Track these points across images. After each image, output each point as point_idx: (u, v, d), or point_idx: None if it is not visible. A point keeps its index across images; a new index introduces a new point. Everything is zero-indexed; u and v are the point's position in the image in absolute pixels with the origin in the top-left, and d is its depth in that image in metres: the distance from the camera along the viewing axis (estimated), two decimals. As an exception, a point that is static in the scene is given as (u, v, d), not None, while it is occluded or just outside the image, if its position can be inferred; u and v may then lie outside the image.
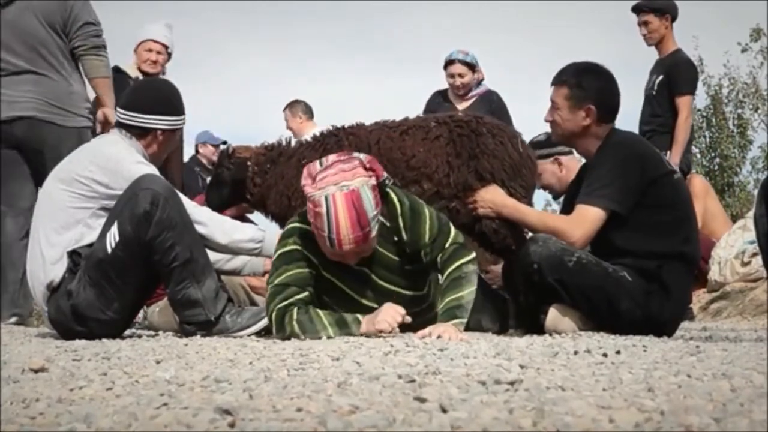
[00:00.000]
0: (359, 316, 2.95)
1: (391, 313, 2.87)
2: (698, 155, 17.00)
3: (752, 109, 17.10)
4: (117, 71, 5.48)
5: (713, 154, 17.19)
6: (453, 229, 3.12)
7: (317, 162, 2.96)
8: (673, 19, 5.91)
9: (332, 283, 3.11)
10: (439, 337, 2.73)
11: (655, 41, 5.90)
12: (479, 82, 6.31)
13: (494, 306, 3.68)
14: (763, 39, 16.38)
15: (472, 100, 6.23)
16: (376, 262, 3.10)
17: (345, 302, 3.11)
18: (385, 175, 3.02)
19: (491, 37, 36.61)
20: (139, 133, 3.48)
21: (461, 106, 6.18)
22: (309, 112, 8.03)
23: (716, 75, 17.30)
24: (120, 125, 3.51)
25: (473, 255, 3.08)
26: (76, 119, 4.51)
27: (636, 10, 5.93)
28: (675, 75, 5.76)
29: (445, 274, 3.02)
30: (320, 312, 2.97)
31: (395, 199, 3.09)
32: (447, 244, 3.06)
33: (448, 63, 6.26)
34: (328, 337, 2.88)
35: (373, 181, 2.90)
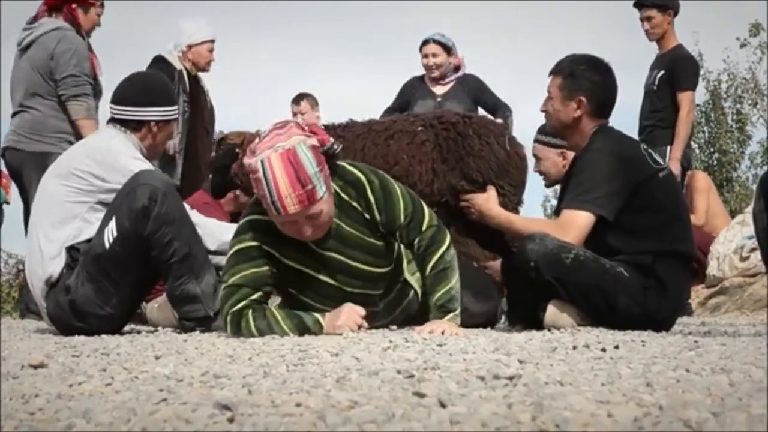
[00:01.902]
0: (319, 318, 2.81)
1: (353, 317, 2.77)
2: (697, 150, 16.97)
3: (751, 105, 17.06)
4: (161, 60, 5.54)
5: (712, 150, 17.16)
6: (425, 207, 2.99)
7: (257, 136, 2.87)
8: (675, 14, 5.91)
9: (298, 271, 2.93)
10: (431, 332, 2.70)
11: (657, 36, 5.89)
12: (456, 69, 6.16)
13: (483, 287, 3.60)
14: (762, 34, 16.34)
15: (450, 84, 6.11)
16: (344, 243, 2.93)
17: (314, 287, 2.95)
18: (332, 141, 2.84)
19: (492, 36, 36.60)
20: (133, 126, 3.48)
21: (439, 91, 6.09)
22: None
23: (715, 70, 17.28)
24: (114, 120, 3.51)
25: (448, 235, 2.97)
26: (38, 145, 5.02)
27: (638, 5, 5.92)
28: (677, 70, 5.75)
29: (430, 266, 2.91)
30: (278, 316, 2.82)
31: (362, 177, 2.91)
32: (424, 227, 2.92)
33: (424, 43, 6.12)
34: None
35: (314, 141, 2.75)
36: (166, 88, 3.65)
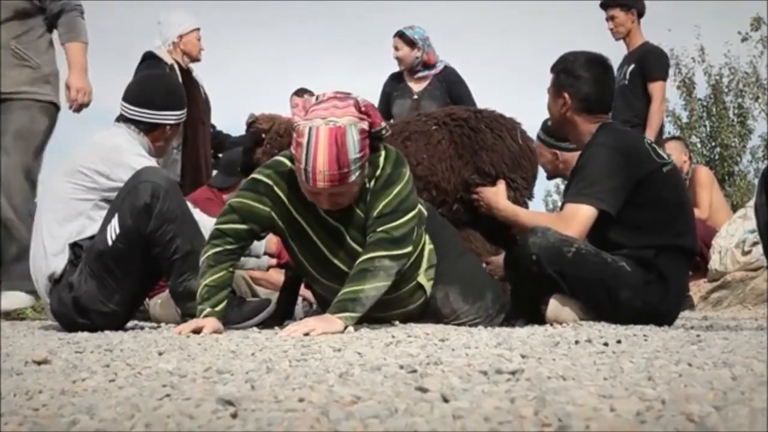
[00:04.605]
0: (214, 319, 2.86)
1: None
2: (698, 145, 16.99)
3: (752, 99, 17.03)
4: (152, 57, 5.49)
5: (713, 144, 17.15)
6: (404, 219, 2.88)
7: (314, 97, 2.90)
8: (640, 14, 6.07)
9: (304, 231, 2.98)
10: (307, 334, 2.55)
11: (621, 35, 6.04)
12: (428, 65, 6.09)
13: (495, 293, 3.56)
14: (764, 28, 16.30)
15: (427, 81, 6.08)
16: (351, 222, 2.94)
17: (312, 252, 2.99)
18: (383, 125, 2.87)
19: (496, 36, 36.57)
20: (146, 128, 3.51)
21: (417, 87, 6.07)
22: None
23: (717, 64, 17.27)
24: (127, 120, 3.53)
25: (399, 252, 2.85)
26: None
27: (603, 6, 6.12)
28: (646, 62, 5.87)
29: (359, 260, 2.83)
30: (205, 283, 2.91)
31: (381, 162, 2.91)
32: (383, 228, 2.85)
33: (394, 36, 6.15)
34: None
35: (365, 125, 2.79)
36: (181, 91, 3.70)
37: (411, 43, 6.06)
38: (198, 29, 5.69)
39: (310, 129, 2.74)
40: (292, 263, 3.25)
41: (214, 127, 5.99)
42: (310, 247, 3.01)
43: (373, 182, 2.92)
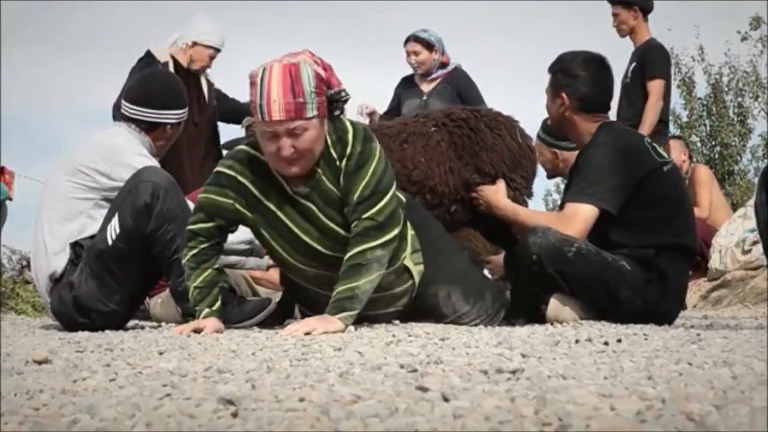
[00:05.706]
0: (214, 319, 2.87)
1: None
2: (698, 144, 16.98)
3: (752, 98, 17.00)
4: (149, 56, 5.41)
5: (713, 143, 17.13)
6: (384, 201, 2.84)
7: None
8: (644, 11, 6.03)
9: (274, 214, 2.93)
10: (308, 333, 2.56)
11: (624, 33, 6.03)
12: (443, 66, 6.04)
13: (494, 293, 3.55)
14: (763, 27, 16.26)
15: (437, 81, 6.03)
16: (322, 198, 2.88)
17: (286, 236, 2.95)
18: (342, 88, 2.83)
19: (496, 36, 36.55)
20: (147, 127, 3.51)
21: (426, 88, 6.03)
22: None
23: (716, 64, 17.25)
24: (127, 119, 3.53)
25: (387, 237, 2.82)
26: None
27: (610, 2, 6.06)
28: (646, 59, 5.86)
29: (348, 256, 2.79)
30: (194, 282, 2.92)
31: (350, 139, 2.85)
32: (367, 215, 2.81)
33: (406, 41, 6.04)
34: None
35: (320, 70, 2.76)
36: (181, 91, 3.68)
37: (429, 46, 5.98)
38: (216, 49, 5.54)
39: (264, 68, 2.72)
40: (268, 255, 3.23)
41: (219, 91, 5.86)
42: (282, 231, 2.95)
43: (344, 162, 2.86)
